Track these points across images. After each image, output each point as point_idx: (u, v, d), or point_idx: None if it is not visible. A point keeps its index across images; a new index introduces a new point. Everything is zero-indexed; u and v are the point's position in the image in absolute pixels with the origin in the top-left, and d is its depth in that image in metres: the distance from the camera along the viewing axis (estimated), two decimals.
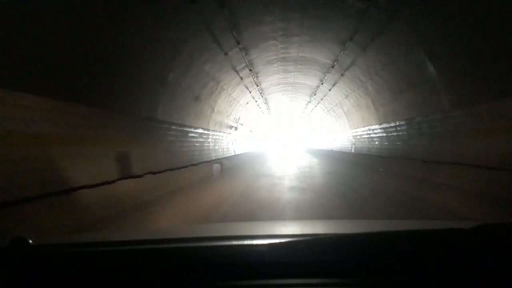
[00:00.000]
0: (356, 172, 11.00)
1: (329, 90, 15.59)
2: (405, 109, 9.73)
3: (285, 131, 41.85)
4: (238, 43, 9.08)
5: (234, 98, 14.96)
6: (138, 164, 5.97)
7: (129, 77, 5.98)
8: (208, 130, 12.40)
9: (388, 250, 0.88)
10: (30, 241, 0.89)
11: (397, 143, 10.63)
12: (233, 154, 17.03)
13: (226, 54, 9.37)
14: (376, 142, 12.69)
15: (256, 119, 24.66)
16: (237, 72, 11.73)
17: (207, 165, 9.90)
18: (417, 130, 9.01)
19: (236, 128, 18.22)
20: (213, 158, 12.57)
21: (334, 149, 21.33)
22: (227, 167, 12.07)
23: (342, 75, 12.55)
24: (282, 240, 0.90)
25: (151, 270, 0.87)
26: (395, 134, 10.80)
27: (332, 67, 12.08)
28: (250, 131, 25.00)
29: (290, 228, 1.61)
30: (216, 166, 9.93)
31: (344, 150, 18.80)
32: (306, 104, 22.07)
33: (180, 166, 7.75)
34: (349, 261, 0.86)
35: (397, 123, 10.61)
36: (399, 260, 0.88)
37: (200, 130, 11.31)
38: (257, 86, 15.22)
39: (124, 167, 5.49)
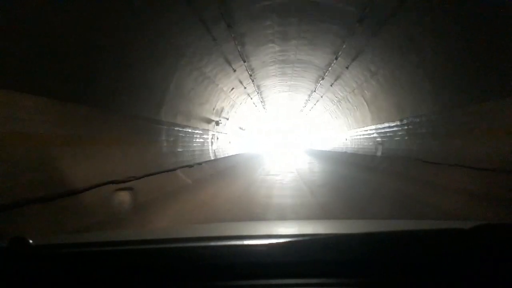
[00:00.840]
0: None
1: (347, 67, 10.98)
2: None
3: (283, 129, 37.22)
4: None
5: (209, 78, 10.25)
6: None
7: None
8: (159, 123, 7.67)
9: (388, 250, 0.87)
10: (30, 241, 0.85)
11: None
12: (211, 158, 12.28)
13: None
14: (433, 141, 7.96)
15: (247, 113, 19.94)
16: (205, 24, 7.02)
17: (95, 200, 3.95)
18: None
19: (217, 123, 13.52)
20: (170, 167, 7.84)
21: (348, 151, 16.61)
22: (167, 193, 5.91)
23: (373, 34, 7.92)
24: (282, 240, 0.89)
25: (151, 270, 0.86)
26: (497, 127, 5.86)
27: (360, 21, 7.44)
28: (240, 128, 20.29)
29: (290, 228, 1.58)
30: (119, 203, 3.76)
31: (362, 153, 14.13)
32: (310, 94, 17.40)
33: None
34: (349, 261, 0.86)
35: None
36: (399, 260, 0.86)
37: (140, 122, 6.61)
38: (244, 61, 10.52)
39: None
